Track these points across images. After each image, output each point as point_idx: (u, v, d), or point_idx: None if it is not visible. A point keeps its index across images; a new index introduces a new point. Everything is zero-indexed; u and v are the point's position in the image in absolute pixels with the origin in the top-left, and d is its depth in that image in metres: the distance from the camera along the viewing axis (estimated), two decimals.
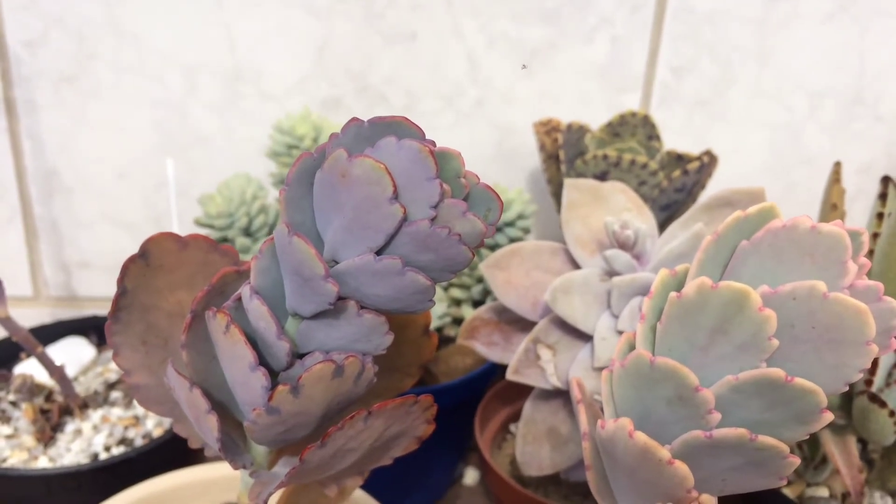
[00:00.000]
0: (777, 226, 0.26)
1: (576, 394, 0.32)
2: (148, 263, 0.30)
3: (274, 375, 0.28)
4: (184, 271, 0.31)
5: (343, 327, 0.27)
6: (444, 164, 0.24)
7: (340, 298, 0.26)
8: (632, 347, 0.28)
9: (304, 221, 0.26)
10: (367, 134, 0.25)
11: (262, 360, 0.27)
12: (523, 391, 0.49)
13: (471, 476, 0.63)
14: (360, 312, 0.26)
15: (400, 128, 0.24)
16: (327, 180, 0.25)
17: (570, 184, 0.48)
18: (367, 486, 0.44)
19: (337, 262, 0.26)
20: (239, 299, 0.28)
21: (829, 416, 0.25)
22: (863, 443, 0.51)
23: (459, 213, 0.24)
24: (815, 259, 0.25)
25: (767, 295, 0.25)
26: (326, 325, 0.27)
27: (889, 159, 0.70)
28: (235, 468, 0.30)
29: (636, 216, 0.46)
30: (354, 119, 0.25)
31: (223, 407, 0.29)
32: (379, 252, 0.25)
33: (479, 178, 0.25)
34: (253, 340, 0.27)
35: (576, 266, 0.47)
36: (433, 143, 0.24)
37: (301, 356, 0.28)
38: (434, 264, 0.25)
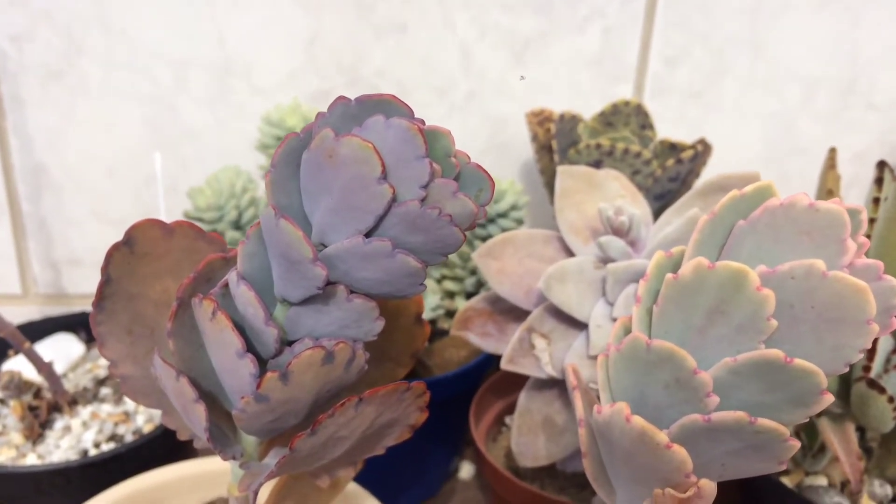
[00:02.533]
0: (774, 204, 0.25)
1: (571, 380, 0.32)
2: (133, 251, 0.29)
3: (262, 363, 0.27)
4: (170, 259, 0.30)
5: (332, 313, 0.26)
6: (433, 142, 0.24)
7: (329, 283, 0.25)
8: (628, 331, 0.28)
9: (291, 204, 0.25)
10: (354, 113, 0.24)
11: (251, 348, 0.26)
12: (518, 383, 0.49)
13: (466, 470, 0.62)
14: (349, 297, 0.26)
15: (388, 106, 0.24)
16: (314, 161, 0.24)
17: (563, 171, 0.47)
18: (361, 481, 0.44)
19: (325, 246, 0.25)
20: (226, 286, 0.27)
21: (829, 398, 0.24)
22: (861, 431, 0.50)
23: (450, 193, 0.24)
24: (813, 237, 0.25)
25: (765, 274, 0.24)
26: (315, 310, 0.26)
27: (883, 147, 0.70)
28: (225, 459, 0.29)
29: (630, 203, 0.46)
30: (341, 97, 0.24)
31: (211, 396, 0.29)
32: (368, 234, 0.24)
33: (469, 158, 0.25)
34: (240, 328, 0.26)
35: (570, 254, 0.46)
36: (422, 122, 0.24)
37: (290, 343, 0.27)
38: (425, 246, 0.24)
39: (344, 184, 0.24)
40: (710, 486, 0.26)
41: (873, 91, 0.68)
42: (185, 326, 0.28)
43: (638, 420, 0.25)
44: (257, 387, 0.25)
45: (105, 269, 0.29)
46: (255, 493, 0.29)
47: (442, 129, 0.24)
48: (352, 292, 0.26)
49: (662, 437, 0.25)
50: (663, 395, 0.26)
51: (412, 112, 0.24)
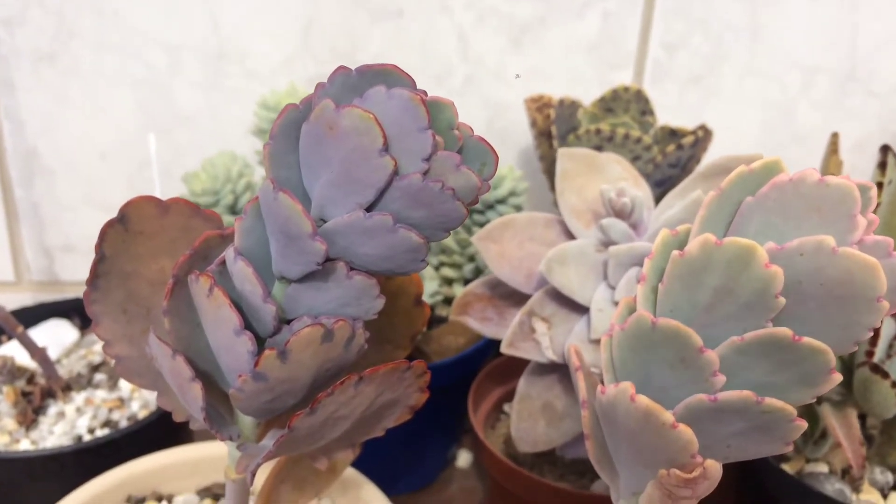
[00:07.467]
0: (783, 180, 0.25)
1: (574, 361, 0.31)
2: (127, 229, 0.29)
3: (260, 342, 0.27)
4: (165, 237, 0.29)
5: (332, 290, 0.26)
6: (436, 114, 0.23)
7: (329, 259, 0.25)
8: (632, 311, 0.27)
9: (290, 178, 0.25)
10: (354, 83, 0.23)
11: (248, 326, 0.26)
12: (517, 371, 0.48)
13: (464, 458, 0.62)
14: (349, 274, 0.25)
15: (390, 76, 0.23)
16: (314, 133, 0.23)
17: (564, 153, 0.47)
18: (359, 467, 0.43)
19: (325, 221, 0.25)
20: (223, 263, 0.27)
21: (837, 377, 0.24)
22: (861, 419, 0.50)
23: (453, 166, 0.23)
24: (822, 213, 0.24)
25: (774, 251, 0.24)
26: (314, 288, 0.26)
27: (883, 135, 0.70)
28: (221, 440, 0.28)
29: (632, 185, 0.45)
30: (341, 67, 0.24)
31: (208, 376, 0.28)
32: (369, 208, 0.24)
33: (472, 130, 0.24)
34: (238, 305, 0.26)
35: (571, 237, 0.46)
36: (424, 93, 0.23)
37: (288, 321, 0.27)
38: (427, 221, 0.24)
39: (344, 156, 0.23)
40: (715, 467, 0.25)
41: (873, 78, 0.68)
42: (181, 304, 0.27)
43: (643, 399, 0.25)
44: (255, 365, 0.25)
45: (99, 246, 0.28)
46: (253, 475, 0.28)
47: (445, 100, 0.23)
48: (352, 269, 0.25)
49: (668, 416, 0.24)
50: (669, 375, 0.25)
51: (414, 83, 0.23)
